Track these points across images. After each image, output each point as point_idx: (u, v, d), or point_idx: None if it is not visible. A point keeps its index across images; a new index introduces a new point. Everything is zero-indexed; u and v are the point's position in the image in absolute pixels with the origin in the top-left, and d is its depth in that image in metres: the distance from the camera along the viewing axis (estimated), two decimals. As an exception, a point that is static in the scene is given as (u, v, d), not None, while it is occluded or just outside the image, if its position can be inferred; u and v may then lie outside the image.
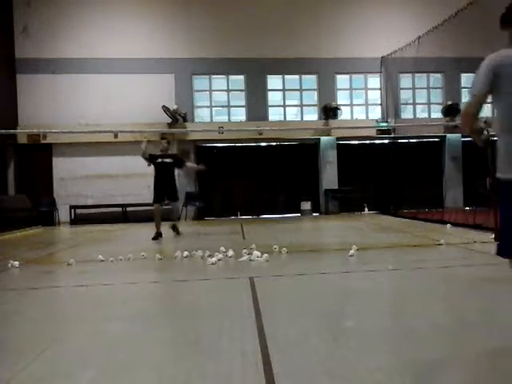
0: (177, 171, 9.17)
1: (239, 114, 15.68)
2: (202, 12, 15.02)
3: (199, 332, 3.01)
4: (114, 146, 14.45)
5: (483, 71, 2.62)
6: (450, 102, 15.30)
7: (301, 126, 15.14)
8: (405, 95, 16.39)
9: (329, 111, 15.26)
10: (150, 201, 9.11)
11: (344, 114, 15.53)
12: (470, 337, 2.78)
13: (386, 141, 16.02)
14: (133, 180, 14.72)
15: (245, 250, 6.05)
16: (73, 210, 14.54)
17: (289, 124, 15.41)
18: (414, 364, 2.37)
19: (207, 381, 2.21)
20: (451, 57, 14.19)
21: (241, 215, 15.27)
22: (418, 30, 13.65)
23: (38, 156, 14.70)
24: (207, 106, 15.68)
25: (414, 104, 16.36)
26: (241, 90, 15.70)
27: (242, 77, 15.61)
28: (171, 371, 2.35)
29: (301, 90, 15.92)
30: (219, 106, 15.80)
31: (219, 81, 15.70)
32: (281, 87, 15.91)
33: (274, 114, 15.81)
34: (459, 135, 15.60)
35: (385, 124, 15.49)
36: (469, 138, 3.03)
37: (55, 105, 14.57)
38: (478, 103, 2.69)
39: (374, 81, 16.12)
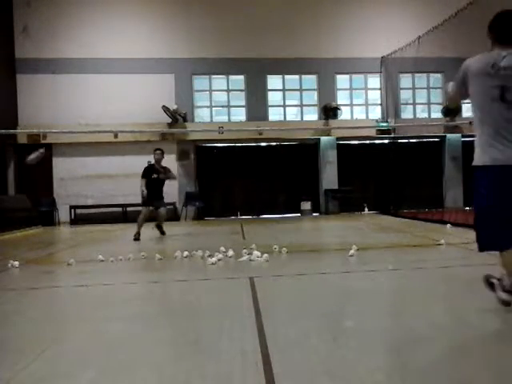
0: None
1: (239, 114, 15.68)
2: (202, 12, 15.02)
3: (199, 332, 3.01)
4: (114, 146, 14.45)
5: (457, 74, 3.04)
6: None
7: (301, 126, 15.15)
8: (405, 95, 16.39)
9: (329, 111, 15.27)
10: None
11: (344, 114, 15.54)
12: (468, 337, 2.78)
13: (386, 141, 16.03)
14: (133, 180, 14.66)
15: (245, 250, 6.05)
16: (73, 210, 14.55)
17: (289, 124, 15.41)
18: (414, 364, 2.37)
19: (207, 381, 2.21)
20: (451, 57, 14.16)
21: (241, 215, 15.27)
22: (417, 30, 13.65)
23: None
24: (207, 106, 15.68)
25: (414, 104, 16.37)
26: (241, 90, 15.70)
27: (242, 77, 15.61)
28: (171, 371, 2.35)
29: (301, 90, 15.92)
30: (219, 106, 15.81)
31: (219, 81, 15.70)
32: (281, 87, 15.91)
33: (274, 114, 15.81)
34: (459, 135, 15.61)
35: (385, 124, 15.50)
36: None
37: (55, 105, 14.57)
38: (450, 93, 3.16)
39: (374, 81, 16.12)
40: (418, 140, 16.07)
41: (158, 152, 9.52)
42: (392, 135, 15.71)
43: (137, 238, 8.96)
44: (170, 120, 14.57)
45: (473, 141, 3.04)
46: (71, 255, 6.60)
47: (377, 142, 16.07)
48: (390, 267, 4.82)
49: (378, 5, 15.56)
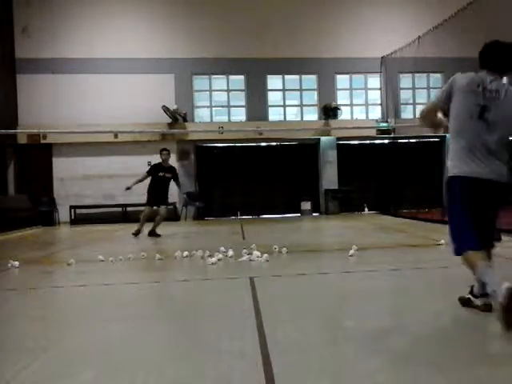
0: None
1: (239, 114, 15.68)
2: (201, 12, 15.01)
3: (199, 332, 3.01)
4: (114, 145, 14.46)
5: (446, 85, 3.19)
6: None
7: (301, 126, 15.15)
8: (405, 95, 16.39)
9: (329, 111, 15.27)
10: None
11: (344, 114, 15.54)
12: (468, 337, 2.78)
13: (386, 141, 16.03)
14: (133, 180, 14.69)
15: (245, 250, 6.05)
16: (73, 210, 14.54)
17: (289, 124, 15.41)
18: (414, 364, 2.37)
19: (207, 381, 2.21)
20: (451, 57, 14.18)
21: (241, 215, 15.26)
22: (417, 30, 13.65)
23: (37, 156, 14.70)
24: (207, 106, 15.68)
25: (414, 104, 16.36)
26: (241, 90, 15.70)
27: (242, 77, 15.61)
28: (171, 371, 2.35)
29: (301, 90, 15.93)
30: (219, 106, 15.81)
31: (219, 81, 15.71)
32: (281, 87, 15.91)
33: (274, 114, 15.81)
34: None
35: (385, 124, 15.50)
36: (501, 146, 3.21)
37: (55, 105, 14.57)
38: (433, 105, 3.26)
39: (374, 81, 16.12)
40: (417, 140, 16.07)
41: (164, 152, 9.67)
42: (392, 135, 15.71)
43: (136, 233, 9.21)
44: (170, 120, 14.57)
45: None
46: (71, 255, 6.60)
47: (377, 141, 16.07)
48: (389, 267, 4.83)
49: (378, 5, 15.55)
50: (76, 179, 14.69)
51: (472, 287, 3.26)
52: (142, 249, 6.81)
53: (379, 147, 16.03)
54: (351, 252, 5.83)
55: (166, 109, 14.40)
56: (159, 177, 9.44)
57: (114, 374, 2.34)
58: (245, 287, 4.23)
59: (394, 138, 15.81)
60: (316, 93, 15.92)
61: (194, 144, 15.27)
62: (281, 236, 8.70)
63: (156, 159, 14.84)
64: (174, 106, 14.66)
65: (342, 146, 15.81)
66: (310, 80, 15.92)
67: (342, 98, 15.99)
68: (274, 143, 15.92)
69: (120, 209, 14.62)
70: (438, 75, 16.01)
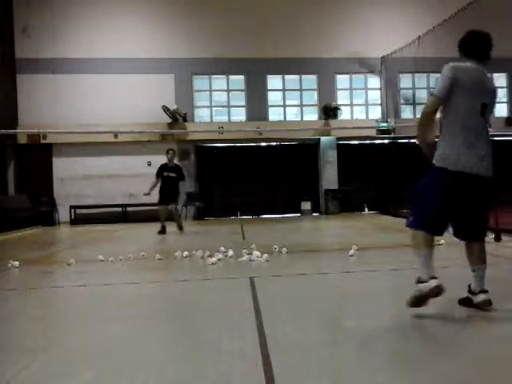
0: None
1: (239, 114, 15.68)
2: (202, 12, 15.01)
3: (199, 332, 3.01)
4: (114, 145, 14.45)
5: (447, 77, 3.13)
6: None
7: (301, 126, 15.14)
8: (405, 95, 16.38)
9: (329, 111, 15.27)
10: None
11: (344, 114, 15.53)
12: (468, 337, 2.78)
13: (386, 141, 16.02)
14: (133, 180, 14.72)
15: (245, 250, 6.05)
16: (73, 210, 14.54)
17: (289, 124, 15.41)
18: (415, 364, 2.37)
19: (207, 381, 2.21)
20: (451, 57, 14.15)
21: (241, 215, 15.26)
22: (417, 30, 13.64)
23: (37, 156, 14.70)
24: (207, 106, 15.68)
25: (414, 104, 16.36)
26: (241, 90, 15.70)
27: (242, 77, 15.61)
28: (171, 371, 2.35)
29: (301, 90, 15.93)
30: (219, 106, 15.81)
31: (219, 81, 15.70)
32: (281, 87, 15.91)
33: (274, 114, 15.81)
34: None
35: (385, 124, 15.49)
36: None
37: (55, 105, 14.56)
38: (433, 105, 3.14)
39: (374, 81, 16.12)
40: (418, 140, 16.04)
41: (170, 152, 10.06)
42: (392, 135, 15.70)
43: (161, 231, 9.77)
44: (170, 120, 14.57)
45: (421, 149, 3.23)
46: (71, 255, 6.60)
47: (377, 141, 16.06)
48: (389, 267, 4.83)
49: (378, 5, 15.55)
50: (76, 179, 14.68)
51: (469, 285, 3.27)
52: (142, 249, 6.81)
53: (379, 147, 16.02)
54: (351, 252, 5.83)
55: (165, 109, 14.40)
56: (164, 177, 9.90)
57: (114, 374, 2.34)
58: (245, 287, 4.23)
59: (393, 138, 15.80)
60: (316, 93, 15.92)
61: (194, 144, 15.27)
62: (281, 236, 8.69)
63: (156, 159, 14.98)
64: (174, 106, 14.66)
65: (342, 145, 15.81)
66: (310, 80, 15.91)
67: (341, 98, 15.99)
68: (274, 143, 15.91)
69: (120, 209, 14.62)
70: (438, 75, 15.97)
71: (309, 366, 2.35)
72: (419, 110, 16.46)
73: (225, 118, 15.67)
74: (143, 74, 14.86)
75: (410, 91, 16.51)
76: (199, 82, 15.61)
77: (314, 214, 15.40)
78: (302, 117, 15.94)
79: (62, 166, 14.75)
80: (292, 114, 16.09)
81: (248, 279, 4.55)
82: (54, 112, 14.46)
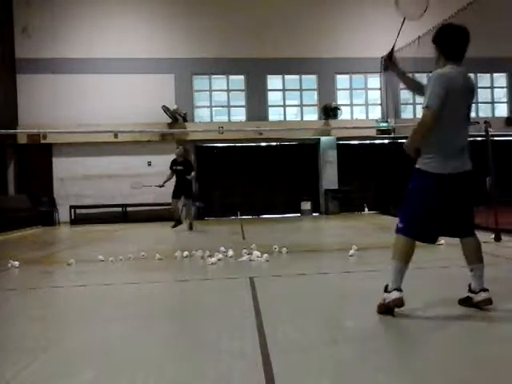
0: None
1: (239, 114, 15.68)
2: (202, 12, 15.01)
3: (199, 332, 3.01)
4: (114, 145, 14.45)
5: (440, 88, 3.04)
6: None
7: (301, 126, 15.14)
8: (405, 95, 16.37)
9: (329, 111, 15.26)
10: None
11: (344, 114, 15.53)
12: (468, 337, 2.78)
13: (386, 141, 16.01)
14: (133, 180, 14.68)
15: (245, 250, 6.05)
16: (73, 210, 14.54)
17: (289, 124, 15.41)
18: (414, 364, 2.37)
19: (207, 381, 2.21)
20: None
21: (241, 215, 15.26)
22: (417, 30, 13.62)
23: (37, 156, 14.69)
24: (207, 106, 15.68)
25: (414, 104, 16.35)
26: (241, 90, 15.70)
27: (242, 77, 15.61)
28: (171, 371, 2.35)
29: (301, 90, 15.92)
30: (219, 106, 15.81)
31: (219, 81, 15.70)
32: (281, 87, 15.91)
33: (274, 114, 15.81)
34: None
35: (385, 124, 15.49)
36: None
37: (55, 105, 14.56)
38: (433, 118, 3.05)
39: (374, 81, 16.11)
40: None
41: (181, 147, 10.68)
42: (392, 135, 15.69)
43: (175, 225, 10.23)
44: (170, 120, 14.57)
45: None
46: (71, 255, 6.60)
47: (377, 141, 16.06)
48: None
49: (378, 5, 15.52)
50: (76, 179, 14.68)
51: (469, 285, 3.28)
52: (142, 249, 6.81)
53: (379, 147, 16.01)
54: (351, 252, 5.83)
55: (165, 109, 14.40)
56: (174, 170, 10.33)
57: (114, 374, 2.34)
58: (245, 287, 4.23)
59: (393, 138, 15.79)
60: (316, 93, 15.92)
61: (194, 144, 15.26)
62: (281, 236, 8.69)
63: (156, 159, 15.01)
64: (174, 106, 14.66)
65: (342, 145, 15.80)
66: (310, 80, 15.91)
67: (341, 98, 15.99)
68: (274, 143, 15.91)
69: (120, 209, 14.61)
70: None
71: (309, 366, 2.35)
72: (419, 110, 16.47)
73: (225, 118, 15.67)
74: (143, 74, 14.86)
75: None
76: (199, 82, 15.61)
77: (314, 214, 15.40)
78: (301, 117, 15.94)
79: (62, 166, 14.74)
80: (292, 114, 16.09)
81: (248, 279, 4.56)
82: (54, 112, 14.46)
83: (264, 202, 15.60)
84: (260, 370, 2.29)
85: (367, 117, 16.10)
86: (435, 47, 3.26)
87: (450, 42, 3.19)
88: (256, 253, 5.85)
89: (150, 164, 14.93)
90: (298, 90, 15.93)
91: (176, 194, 10.31)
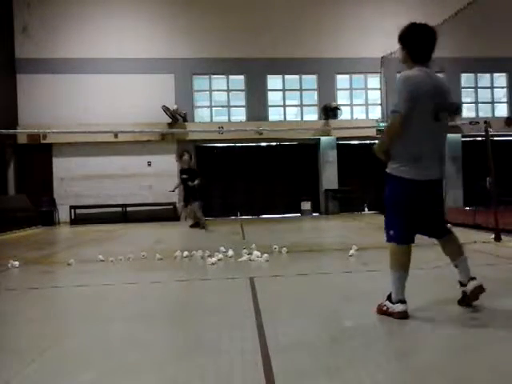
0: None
1: (239, 114, 15.68)
2: (202, 12, 15.01)
3: (199, 332, 3.01)
4: (114, 145, 14.45)
5: (406, 91, 2.98)
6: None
7: (301, 126, 15.14)
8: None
9: (329, 111, 15.26)
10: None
11: (344, 114, 15.53)
12: (468, 337, 2.78)
13: (386, 141, 15.99)
14: (133, 180, 14.73)
15: (245, 250, 6.05)
16: (73, 210, 14.54)
17: (289, 124, 15.40)
18: (414, 364, 2.38)
19: (207, 381, 2.21)
20: (451, 57, 14.18)
21: (241, 215, 15.26)
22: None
23: (38, 156, 14.70)
24: (207, 106, 15.68)
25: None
26: (241, 90, 15.70)
27: (242, 77, 15.61)
28: (171, 371, 2.35)
29: (301, 90, 15.92)
30: (219, 106, 15.81)
31: (219, 81, 15.70)
32: (281, 87, 15.91)
33: (274, 114, 15.81)
34: (459, 135, 15.60)
35: (385, 124, 15.47)
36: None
37: (55, 105, 14.56)
38: (401, 123, 3.02)
39: (374, 81, 16.11)
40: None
41: (186, 155, 10.94)
42: (392, 135, 15.67)
43: (193, 225, 10.92)
44: (170, 120, 14.57)
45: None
46: (71, 255, 6.60)
47: (377, 141, 16.04)
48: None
49: (378, 5, 15.55)
50: (76, 179, 14.68)
51: (459, 281, 3.31)
52: (142, 249, 6.81)
53: (379, 147, 15.99)
54: (351, 252, 5.83)
55: (165, 109, 14.40)
56: (181, 178, 10.94)
57: (113, 374, 2.34)
58: (245, 287, 4.23)
59: (393, 138, 15.77)
60: (316, 93, 15.92)
61: (194, 144, 15.26)
62: (281, 236, 8.70)
63: (156, 159, 15.03)
64: (174, 106, 14.66)
65: (342, 145, 15.81)
66: (310, 80, 15.91)
67: (341, 98, 15.99)
68: (274, 143, 15.91)
69: (120, 209, 14.61)
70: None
71: (309, 365, 2.35)
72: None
73: (225, 118, 15.67)
74: (143, 74, 14.87)
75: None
76: (199, 82, 15.61)
77: (314, 214, 15.40)
78: (302, 117, 15.93)
79: (61, 166, 14.74)
80: (292, 114, 16.08)
81: (248, 279, 4.56)
82: (53, 112, 14.46)
83: (264, 202, 15.60)
84: (260, 369, 2.29)
85: (367, 117, 16.09)
86: (401, 48, 3.17)
87: (416, 43, 3.10)
88: (256, 253, 5.86)
89: (149, 164, 14.94)
90: (298, 89, 15.93)
91: (184, 201, 11.13)
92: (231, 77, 15.68)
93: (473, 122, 11.61)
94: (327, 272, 5.13)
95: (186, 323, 3.27)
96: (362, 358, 2.44)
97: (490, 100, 16.57)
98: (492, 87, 16.62)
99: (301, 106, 15.97)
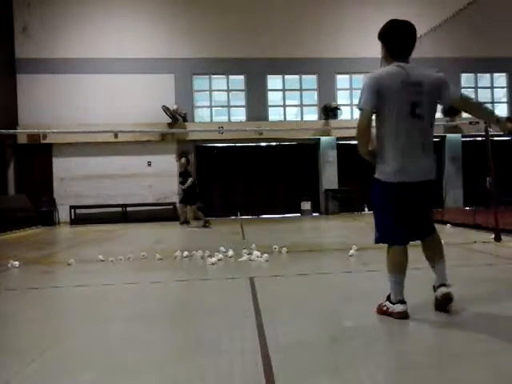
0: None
1: (239, 114, 15.68)
2: (202, 12, 15.02)
3: (199, 332, 3.01)
4: (114, 145, 14.45)
5: (366, 90, 3.01)
6: (450, 102, 15.31)
7: (301, 126, 15.14)
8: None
9: (329, 111, 15.26)
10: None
11: (344, 114, 15.54)
12: (469, 337, 2.78)
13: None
14: (133, 180, 14.73)
15: (245, 250, 6.05)
16: (73, 210, 14.54)
17: (289, 124, 15.40)
18: (414, 364, 2.37)
19: (207, 381, 2.21)
20: (451, 57, 14.19)
21: (241, 215, 15.26)
22: (417, 30, 13.62)
23: (37, 156, 14.70)
24: (207, 106, 15.68)
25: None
26: (241, 90, 15.70)
27: (242, 77, 15.61)
28: (171, 371, 2.35)
29: (301, 90, 15.92)
30: (219, 106, 15.81)
31: (219, 81, 15.70)
32: (281, 87, 15.91)
33: (274, 114, 15.81)
34: (459, 135, 15.60)
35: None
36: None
37: (55, 105, 14.57)
38: (366, 118, 3.10)
39: (374, 81, 16.09)
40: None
41: (183, 159, 11.79)
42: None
43: (204, 225, 11.25)
44: (170, 120, 14.57)
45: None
46: (71, 255, 6.60)
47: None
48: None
49: (378, 5, 15.55)
50: (76, 179, 14.68)
51: (433, 286, 3.28)
52: (142, 249, 6.81)
53: (379, 147, 16.00)
54: (351, 252, 5.83)
55: (165, 109, 14.40)
56: (180, 181, 11.93)
57: (113, 374, 2.34)
58: (245, 287, 4.23)
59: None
60: (316, 93, 15.92)
61: (194, 144, 15.27)
62: (281, 236, 8.69)
63: (156, 159, 15.03)
64: (174, 106, 14.66)
65: (342, 146, 15.80)
66: (310, 80, 15.91)
67: (341, 98, 15.99)
68: (274, 143, 15.91)
69: (120, 209, 14.61)
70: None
71: (309, 365, 2.35)
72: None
73: (225, 118, 15.67)
74: (143, 74, 14.87)
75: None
76: (199, 82, 15.61)
77: (314, 214, 15.40)
78: (302, 117, 15.94)
79: (61, 166, 14.75)
80: (292, 114, 16.09)
81: (248, 279, 4.56)
82: (54, 112, 14.46)
83: (264, 202, 15.60)
84: (260, 370, 2.29)
85: (367, 117, 16.08)
86: (381, 45, 3.18)
87: (393, 39, 3.09)
88: (256, 253, 5.86)
89: (149, 164, 14.95)
90: (298, 90, 15.93)
91: (181, 201, 12.26)
92: (231, 77, 15.68)
93: (473, 122, 11.61)
94: (327, 272, 5.13)
95: (186, 323, 3.27)
96: (362, 357, 2.44)
97: (490, 100, 16.57)
98: (492, 87, 16.62)
99: (301, 106, 15.98)
